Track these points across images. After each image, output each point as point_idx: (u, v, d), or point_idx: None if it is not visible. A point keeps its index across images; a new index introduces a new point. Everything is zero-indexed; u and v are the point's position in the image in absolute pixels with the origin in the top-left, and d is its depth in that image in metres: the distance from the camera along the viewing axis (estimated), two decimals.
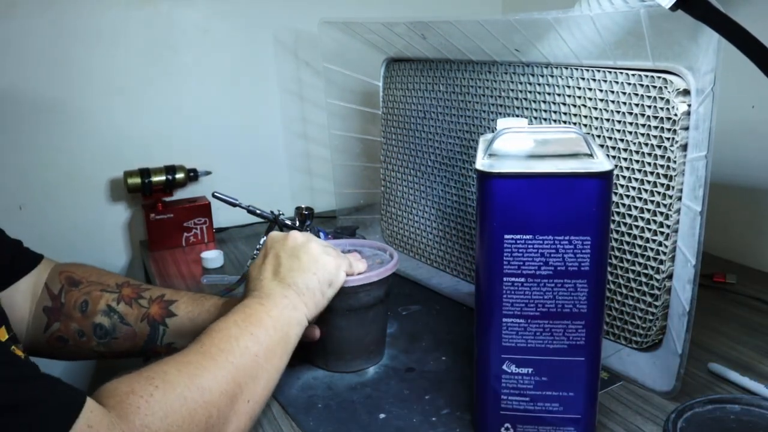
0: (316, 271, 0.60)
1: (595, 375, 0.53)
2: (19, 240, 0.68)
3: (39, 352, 0.70)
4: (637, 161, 0.62)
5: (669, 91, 0.58)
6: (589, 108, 0.65)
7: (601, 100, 0.64)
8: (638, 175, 0.62)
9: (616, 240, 0.65)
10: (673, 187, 0.59)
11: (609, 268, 0.66)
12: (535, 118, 0.72)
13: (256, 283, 0.61)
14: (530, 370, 0.53)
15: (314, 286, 0.60)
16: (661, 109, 0.58)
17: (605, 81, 0.63)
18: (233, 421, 0.50)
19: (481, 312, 0.53)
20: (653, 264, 0.62)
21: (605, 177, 0.48)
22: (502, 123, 0.56)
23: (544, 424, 0.54)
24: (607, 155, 0.57)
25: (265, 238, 0.88)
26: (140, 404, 0.44)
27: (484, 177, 0.50)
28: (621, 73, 0.62)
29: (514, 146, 0.53)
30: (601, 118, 0.64)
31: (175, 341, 0.70)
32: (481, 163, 0.51)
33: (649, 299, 0.63)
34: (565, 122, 0.68)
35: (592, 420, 0.54)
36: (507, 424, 0.54)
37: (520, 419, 0.54)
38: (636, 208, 0.63)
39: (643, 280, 0.64)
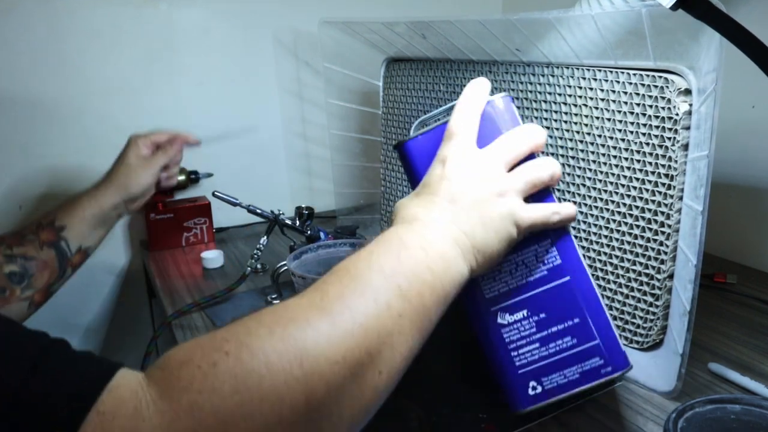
0: (499, 235, 0.47)
1: (590, 292, 0.51)
2: None
3: None
4: (638, 161, 0.62)
5: (670, 91, 0.58)
6: (590, 108, 0.65)
7: (602, 99, 0.64)
8: (639, 175, 0.62)
9: (616, 240, 0.65)
10: (674, 187, 0.59)
11: (609, 268, 0.66)
12: (536, 117, 0.71)
13: (422, 210, 0.47)
14: (525, 312, 0.52)
15: (493, 248, 0.47)
16: (663, 108, 0.58)
17: (606, 81, 0.63)
18: (355, 399, 0.36)
19: None
20: (654, 264, 0.62)
21: None
22: None
23: (567, 365, 0.51)
24: None
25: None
26: (194, 377, 0.32)
27: (397, 147, 0.56)
28: (622, 72, 0.62)
29: None
30: (602, 118, 0.64)
31: (82, 243, 0.76)
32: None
33: (650, 299, 0.63)
34: (565, 122, 0.68)
35: (615, 342, 0.51)
36: (532, 383, 0.52)
37: (541, 371, 0.51)
38: (637, 208, 0.63)
39: (644, 280, 0.64)
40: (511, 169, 0.50)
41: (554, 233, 0.52)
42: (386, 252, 0.43)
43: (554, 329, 0.51)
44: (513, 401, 0.53)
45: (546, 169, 0.50)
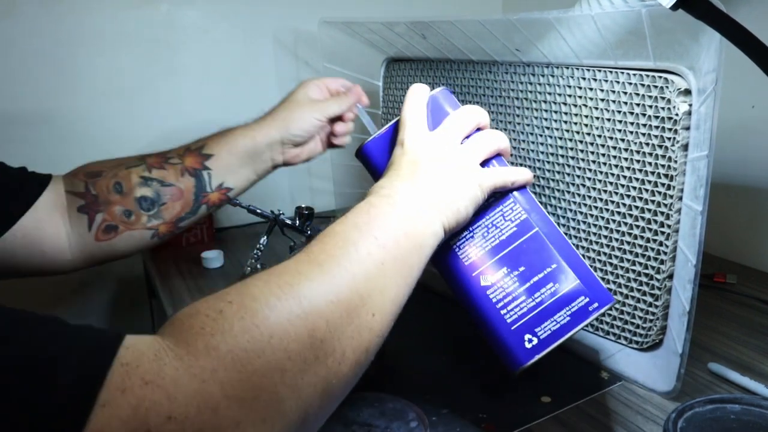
0: (462, 193, 0.52)
1: (560, 238, 0.55)
2: (23, 166, 0.66)
3: (93, 258, 0.68)
4: (638, 161, 0.62)
5: (670, 91, 0.58)
6: (590, 108, 0.65)
7: (602, 99, 0.64)
8: (639, 175, 0.62)
9: (616, 240, 0.65)
10: (673, 187, 0.59)
11: (609, 269, 0.66)
12: (536, 117, 0.71)
13: (387, 182, 0.51)
14: (504, 269, 0.54)
15: (459, 204, 0.51)
16: (662, 108, 0.58)
17: (606, 81, 0.63)
18: (354, 338, 0.39)
19: (435, 258, 0.53)
20: (654, 264, 0.62)
21: None
22: None
23: (555, 310, 0.53)
24: None
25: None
26: (205, 323, 0.34)
27: (357, 153, 0.61)
28: (622, 73, 0.62)
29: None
30: (602, 118, 0.64)
31: (225, 180, 0.69)
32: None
33: (649, 299, 0.63)
34: (565, 122, 0.68)
35: (594, 279, 0.54)
36: (527, 336, 0.53)
37: (533, 322, 0.53)
38: (636, 208, 0.63)
39: (644, 280, 0.64)
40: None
41: (515, 193, 0.56)
42: (357, 213, 0.47)
43: (535, 279, 0.53)
44: (513, 360, 0.53)
45: (493, 136, 0.56)
